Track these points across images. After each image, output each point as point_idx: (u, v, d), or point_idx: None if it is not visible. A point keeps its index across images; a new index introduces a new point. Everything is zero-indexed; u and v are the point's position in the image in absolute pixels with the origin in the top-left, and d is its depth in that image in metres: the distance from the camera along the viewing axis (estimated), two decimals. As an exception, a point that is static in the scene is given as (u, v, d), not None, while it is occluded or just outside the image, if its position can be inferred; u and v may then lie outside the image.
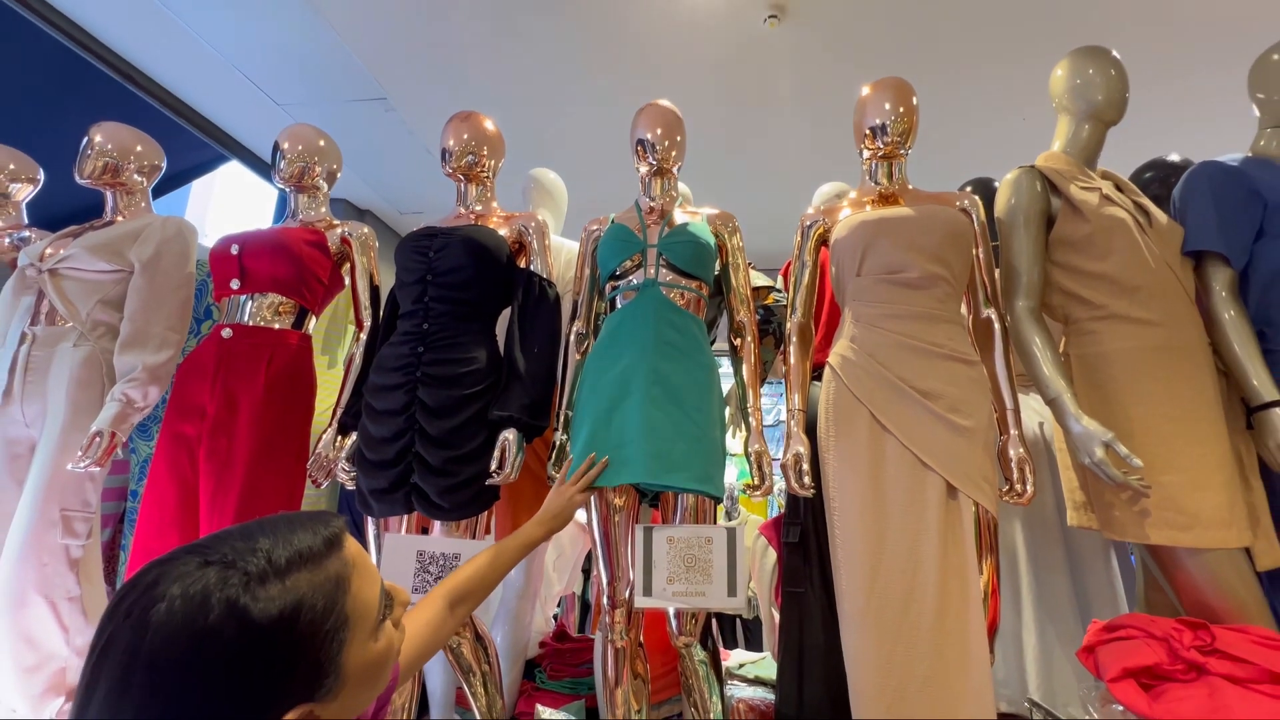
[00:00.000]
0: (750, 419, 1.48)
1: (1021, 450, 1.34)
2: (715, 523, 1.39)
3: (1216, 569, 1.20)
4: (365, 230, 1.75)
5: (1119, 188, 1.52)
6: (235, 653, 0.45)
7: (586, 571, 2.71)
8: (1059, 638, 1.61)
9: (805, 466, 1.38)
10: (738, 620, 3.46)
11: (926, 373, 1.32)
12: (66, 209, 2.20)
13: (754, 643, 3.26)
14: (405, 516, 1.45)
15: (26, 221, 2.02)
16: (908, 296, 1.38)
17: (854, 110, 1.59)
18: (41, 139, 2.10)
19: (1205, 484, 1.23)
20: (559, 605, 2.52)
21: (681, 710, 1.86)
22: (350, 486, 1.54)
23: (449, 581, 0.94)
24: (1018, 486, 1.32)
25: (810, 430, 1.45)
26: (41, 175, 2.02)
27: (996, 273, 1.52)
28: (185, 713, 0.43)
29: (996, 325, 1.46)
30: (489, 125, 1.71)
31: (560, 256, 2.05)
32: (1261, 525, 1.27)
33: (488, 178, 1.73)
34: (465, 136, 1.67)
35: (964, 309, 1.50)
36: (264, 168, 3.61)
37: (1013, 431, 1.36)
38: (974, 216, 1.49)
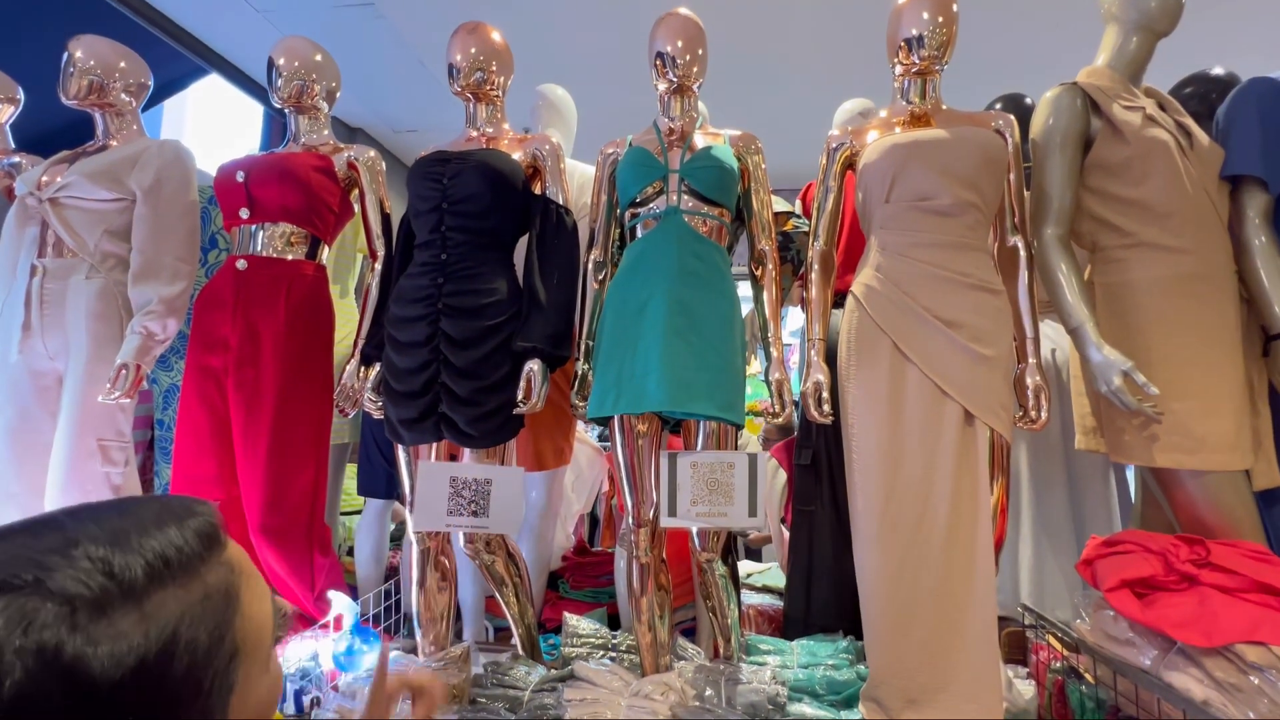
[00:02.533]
0: (771, 349, 1.49)
1: (1039, 378, 1.36)
2: (735, 448, 1.43)
3: (1216, 489, 1.26)
4: (371, 154, 1.68)
5: (1162, 106, 1.45)
6: None
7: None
8: (1053, 550, 1.72)
9: (825, 394, 1.41)
10: (739, 540, 3.64)
11: (952, 302, 1.32)
12: (41, 130, 2.08)
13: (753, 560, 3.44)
14: (434, 444, 1.50)
15: (12, 145, 1.92)
16: (937, 224, 1.35)
17: (888, 20, 1.49)
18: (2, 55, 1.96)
19: (1215, 410, 1.26)
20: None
21: (694, 616, 2.01)
22: (377, 416, 1.58)
23: None
24: (1032, 413, 1.35)
25: (829, 359, 1.47)
26: (21, 95, 1.90)
27: (1026, 197, 1.48)
28: None
29: (1022, 253, 1.44)
30: (497, 37, 1.60)
31: (573, 180, 1.98)
32: (1263, 448, 1.32)
33: (498, 96, 1.64)
34: (473, 51, 1.57)
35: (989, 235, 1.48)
36: (245, 81, 3.38)
37: (1030, 360, 1.38)
38: (1009, 138, 1.44)
